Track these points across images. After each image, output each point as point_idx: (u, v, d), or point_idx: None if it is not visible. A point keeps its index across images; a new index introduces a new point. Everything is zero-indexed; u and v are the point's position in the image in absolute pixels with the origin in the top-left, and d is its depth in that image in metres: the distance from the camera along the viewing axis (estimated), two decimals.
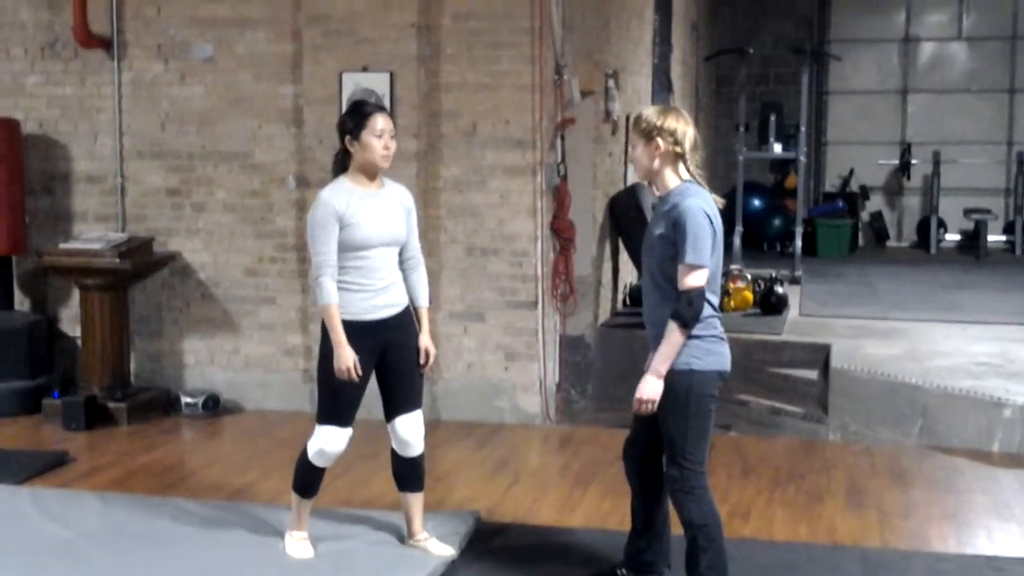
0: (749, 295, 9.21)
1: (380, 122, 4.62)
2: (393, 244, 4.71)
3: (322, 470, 4.81)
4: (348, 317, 4.59)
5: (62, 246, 7.48)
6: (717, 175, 15.12)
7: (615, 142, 9.26)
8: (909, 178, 15.67)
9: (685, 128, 4.19)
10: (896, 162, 15.65)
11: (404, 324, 4.76)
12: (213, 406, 7.48)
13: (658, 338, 4.18)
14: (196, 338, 7.73)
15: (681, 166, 4.21)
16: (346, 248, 4.59)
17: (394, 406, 4.78)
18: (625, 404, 7.46)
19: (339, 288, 4.59)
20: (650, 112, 4.26)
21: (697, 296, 4.07)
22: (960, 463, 6.46)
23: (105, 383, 7.30)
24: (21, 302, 7.89)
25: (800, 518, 5.52)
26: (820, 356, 7.65)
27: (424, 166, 7.21)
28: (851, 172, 15.43)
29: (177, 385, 7.69)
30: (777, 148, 12.69)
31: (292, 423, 7.19)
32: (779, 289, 9.21)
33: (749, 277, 9.43)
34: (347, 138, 4.65)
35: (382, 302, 4.66)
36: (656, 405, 4.14)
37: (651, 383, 4.14)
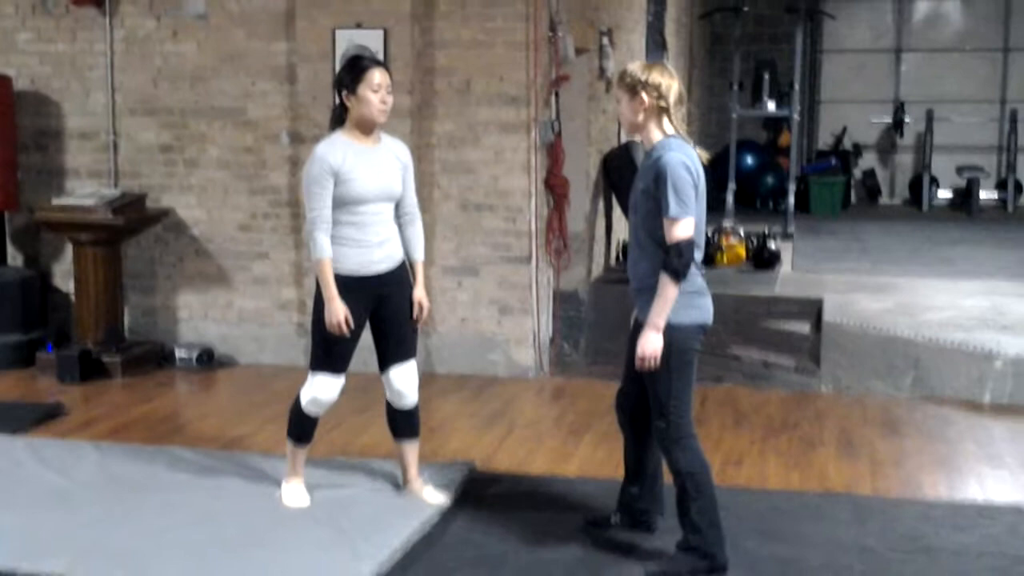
0: (742, 251, 9.24)
1: (377, 76, 4.60)
2: (389, 199, 4.71)
3: (315, 418, 4.84)
4: (343, 272, 4.60)
5: (55, 202, 7.46)
6: (711, 133, 15.12)
7: (609, 99, 9.25)
8: (902, 136, 15.68)
9: (670, 82, 4.19)
10: (889, 120, 15.64)
11: (399, 279, 4.77)
12: (207, 360, 7.51)
13: (639, 292, 4.23)
14: (190, 293, 7.74)
15: (666, 120, 4.21)
16: (341, 203, 4.58)
17: (388, 357, 4.80)
18: (618, 357, 7.54)
19: (334, 243, 4.59)
20: (635, 67, 4.27)
21: (686, 246, 4.08)
22: (951, 413, 6.51)
23: (99, 337, 7.32)
24: (14, 257, 7.90)
25: (792, 466, 5.56)
26: (812, 310, 7.69)
27: (418, 122, 7.19)
28: (844, 130, 15.43)
29: (171, 339, 7.71)
30: (771, 106, 12.68)
31: (286, 376, 7.21)
32: (772, 245, 9.24)
33: (742, 233, 9.45)
34: (344, 92, 4.63)
35: (377, 257, 4.67)
36: (659, 360, 4.15)
37: (652, 339, 4.15)
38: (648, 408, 4.36)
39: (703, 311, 4.28)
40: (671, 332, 4.16)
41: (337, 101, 4.69)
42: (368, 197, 4.61)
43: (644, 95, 4.17)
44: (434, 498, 4.89)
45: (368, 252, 4.64)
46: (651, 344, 4.15)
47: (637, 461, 4.57)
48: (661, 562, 4.31)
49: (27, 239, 7.96)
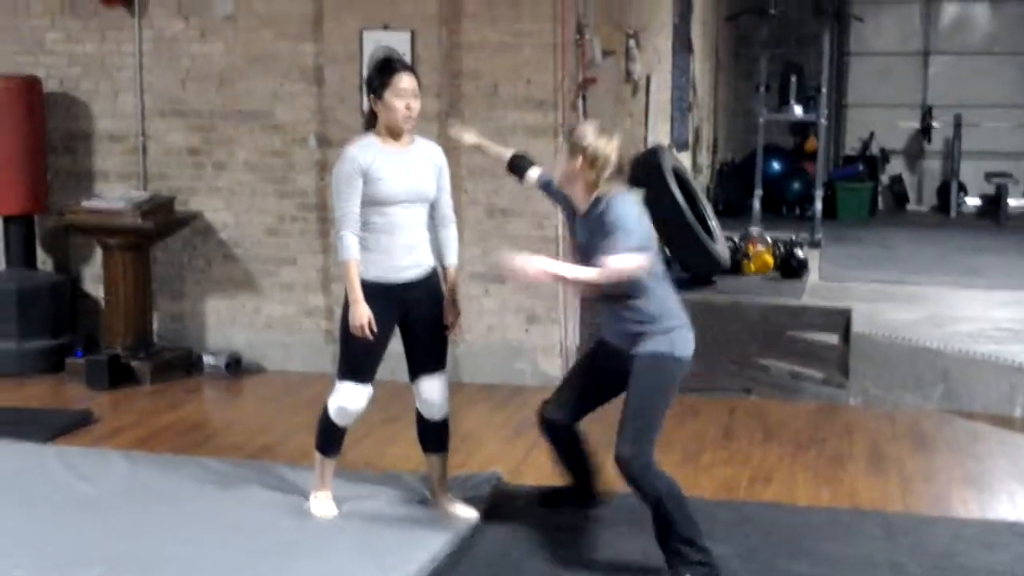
0: (769, 259, 9.17)
1: (404, 81, 4.58)
2: (419, 201, 4.68)
3: (343, 429, 4.82)
4: (369, 279, 4.58)
5: (84, 205, 7.45)
6: (737, 137, 15.05)
7: (636, 102, 9.21)
8: (930, 141, 15.55)
9: (607, 156, 4.32)
10: (917, 125, 15.53)
11: (429, 285, 4.75)
12: (235, 366, 7.51)
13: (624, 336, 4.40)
14: (218, 298, 7.75)
15: (592, 183, 4.36)
16: (370, 203, 4.56)
17: (417, 366, 4.79)
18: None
19: (362, 247, 4.58)
20: (586, 130, 4.42)
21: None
22: (982, 428, 6.45)
23: (128, 342, 7.33)
24: (44, 261, 7.91)
25: (822, 482, 5.52)
26: (841, 320, 7.63)
27: (444, 126, 7.17)
28: (871, 135, 15.31)
29: (199, 345, 7.72)
30: (797, 110, 12.58)
31: (314, 384, 7.19)
32: (799, 253, 9.18)
33: (769, 240, 9.39)
34: (371, 96, 4.62)
35: (406, 262, 4.64)
36: (530, 276, 4.26)
37: (544, 263, 4.30)
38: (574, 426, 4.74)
39: (689, 344, 4.42)
40: (670, 362, 4.34)
41: (367, 104, 4.68)
42: (398, 197, 4.58)
43: (580, 159, 4.32)
44: (464, 513, 4.87)
45: (396, 258, 4.62)
46: (538, 264, 4.25)
47: (580, 459, 4.86)
48: None
49: (56, 243, 7.97)
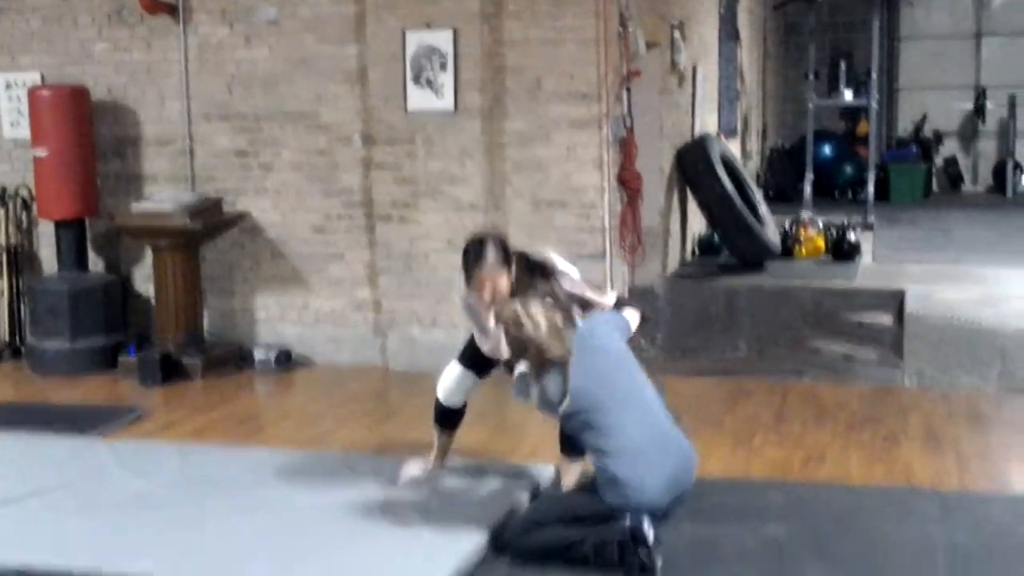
0: (820, 242, 9.08)
1: (484, 275, 4.62)
2: None
3: (448, 407, 4.98)
4: None
5: (134, 208, 7.57)
6: (787, 124, 14.93)
7: (682, 93, 9.15)
8: (984, 122, 15.31)
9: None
10: (970, 106, 15.29)
11: None
12: (285, 361, 7.57)
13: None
14: (267, 294, 7.81)
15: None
16: None
17: None
18: (696, 352, 7.46)
19: None
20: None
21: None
22: None
23: (179, 340, 7.41)
24: (95, 263, 8.02)
25: (876, 461, 5.44)
26: (894, 302, 7.52)
27: (488, 122, 7.18)
28: (924, 117, 15.11)
29: (249, 340, 7.78)
30: (848, 95, 12.46)
31: (363, 377, 7.25)
32: (851, 236, 9.06)
33: (820, 225, 9.28)
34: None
35: None
36: None
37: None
38: None
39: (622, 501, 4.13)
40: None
41: None
42: None
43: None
44: None
45: None
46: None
47: None
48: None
49: (107, 245, 8.08)
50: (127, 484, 5.17)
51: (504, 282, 4.62)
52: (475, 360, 4.89)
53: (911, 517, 4.70)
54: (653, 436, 4.18)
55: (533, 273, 4.70)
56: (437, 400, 5.01)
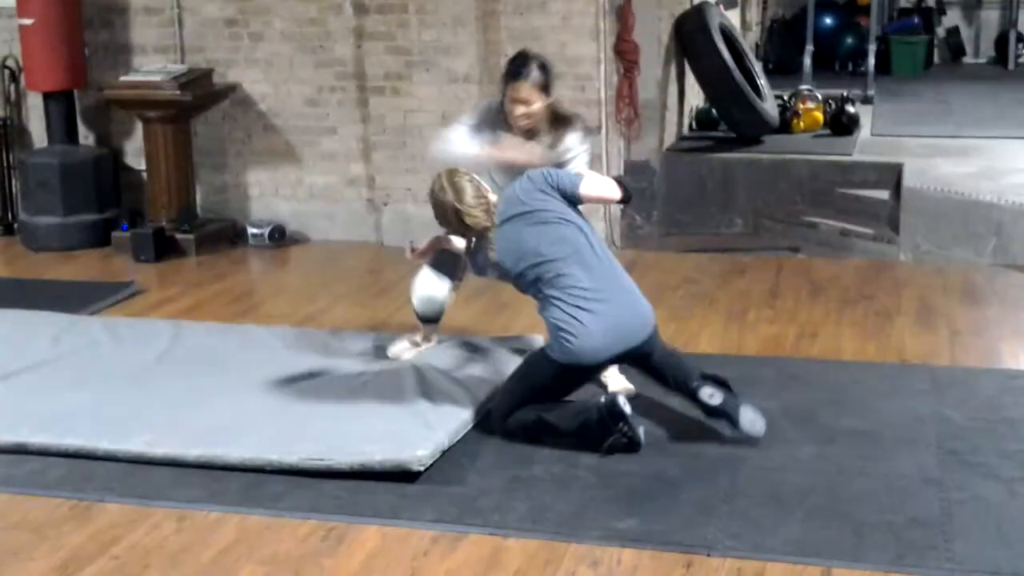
0: (819, 116, 8.95)
1: (520, 90, 4.52)
2: None
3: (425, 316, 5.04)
4: None
5: (122, 79, 7.45)
6: None
7: None
8: None
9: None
10: None
11: None
12: (279, 236, 7.53)
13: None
14: (260, 169, 7.74)
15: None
16: None
17: None
18: (691, 228, 7.42)
19: None
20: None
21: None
22: None
23: (172, 215, 7.37)
24: (85, 136, 7.93)
25: (869, 337, 5.46)
26: (892, 176, 7.46)
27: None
28: None
29: (243, 216, 7.74)
30: None
31: (357, 252, 7.24)
32: (850, 109, 8.94)
33: (819, 97, 9.15)
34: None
35: None
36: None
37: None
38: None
39: (566, 351, 4.17)
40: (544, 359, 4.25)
41: None
42: None
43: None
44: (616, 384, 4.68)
45: None
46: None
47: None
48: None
49: (97, 118, 7.97)
50: (121, 360, 5.19)
51: (538, 107, 4.55)
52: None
53: (902, 392, 4.74)
54: (598, 287, 4.21)
55: (554, 122, 4.63)
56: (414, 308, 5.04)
